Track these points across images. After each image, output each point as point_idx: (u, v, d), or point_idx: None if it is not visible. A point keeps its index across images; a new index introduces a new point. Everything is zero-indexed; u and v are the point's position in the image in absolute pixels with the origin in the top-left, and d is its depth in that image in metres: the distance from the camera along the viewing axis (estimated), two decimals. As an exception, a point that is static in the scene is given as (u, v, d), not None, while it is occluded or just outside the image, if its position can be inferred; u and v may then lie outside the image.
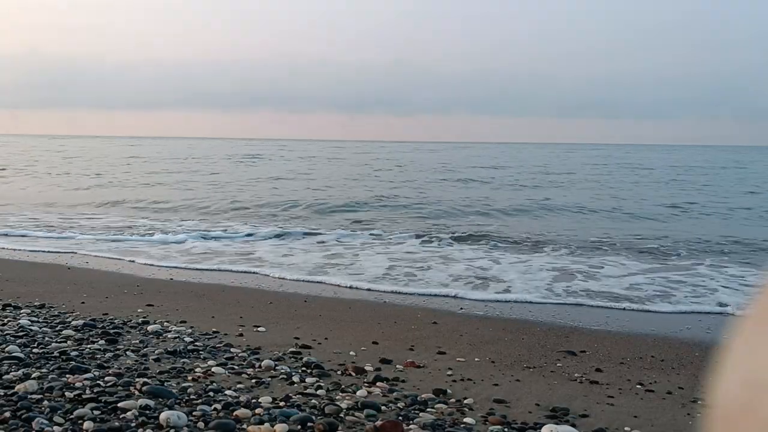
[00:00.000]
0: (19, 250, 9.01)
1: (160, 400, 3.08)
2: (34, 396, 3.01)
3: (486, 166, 35.71)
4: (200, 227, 11.83)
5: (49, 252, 8.85)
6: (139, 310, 5.26)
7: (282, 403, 3.17)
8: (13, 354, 3.64)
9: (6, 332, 4.17)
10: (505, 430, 3.09)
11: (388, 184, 22.69)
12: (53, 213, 13.72)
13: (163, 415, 2.82)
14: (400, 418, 3.11)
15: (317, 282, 7.24)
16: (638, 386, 3.95)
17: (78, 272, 7.27)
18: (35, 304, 5.26)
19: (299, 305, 5.91)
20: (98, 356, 3.78)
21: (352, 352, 4.35)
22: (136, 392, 3.15)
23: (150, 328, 4.57)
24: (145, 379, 3.34)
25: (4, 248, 9.12)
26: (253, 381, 3.53)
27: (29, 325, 4.40)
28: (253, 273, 7.70)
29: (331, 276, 7.55)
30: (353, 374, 3.83)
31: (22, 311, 4.92)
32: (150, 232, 11.15)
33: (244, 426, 2.86)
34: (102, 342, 4.11)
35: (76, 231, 11.05)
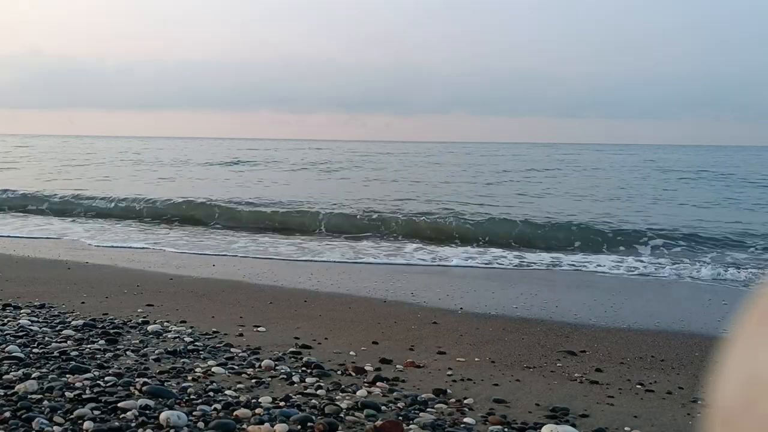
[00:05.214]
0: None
1: (160, 400, 3.08)
2: (34, 396, 3.01)
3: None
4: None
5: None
6: (139, 310, 5.27)
7: (282, 403, 3.17)
8: (13, 354, 3.64)
9: (6, 332, 4.17)
10: (505, 430, 3.09)
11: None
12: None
13: (163, 415, 2.82)
14: (400, 418, 3.11)
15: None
16: (638, 386, 3.95)
17: (78, 272, 7.27)
18: (35, 304, 5.26)
19: (299, 305, 5.91)
20: (98, 356, 3.78)
21: (352, 352, 4.35)
22: (136, 392, 3.16)
23: (150, 328, 4.57)
24: (145, 379, 3.35)
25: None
26: (253, 381, 3.53)
27: (29, 325, 4.41)
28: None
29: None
30: (353, 374, 3.83)
31: (22, 311, 4.92)
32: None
33: (244, 426, 2.86)
34: (102, 342, 4.11)
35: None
